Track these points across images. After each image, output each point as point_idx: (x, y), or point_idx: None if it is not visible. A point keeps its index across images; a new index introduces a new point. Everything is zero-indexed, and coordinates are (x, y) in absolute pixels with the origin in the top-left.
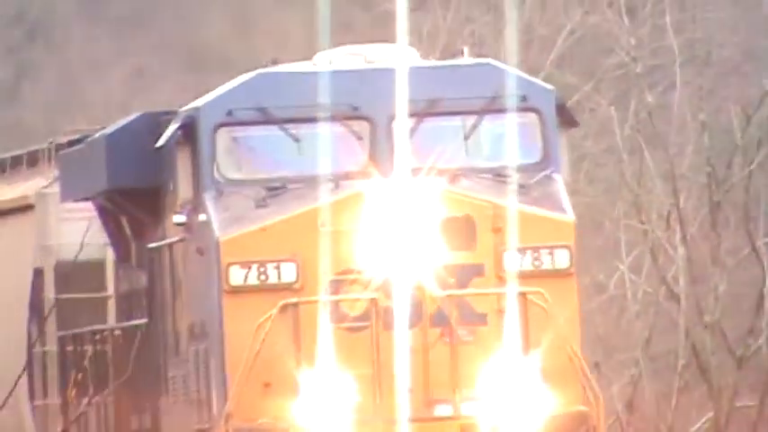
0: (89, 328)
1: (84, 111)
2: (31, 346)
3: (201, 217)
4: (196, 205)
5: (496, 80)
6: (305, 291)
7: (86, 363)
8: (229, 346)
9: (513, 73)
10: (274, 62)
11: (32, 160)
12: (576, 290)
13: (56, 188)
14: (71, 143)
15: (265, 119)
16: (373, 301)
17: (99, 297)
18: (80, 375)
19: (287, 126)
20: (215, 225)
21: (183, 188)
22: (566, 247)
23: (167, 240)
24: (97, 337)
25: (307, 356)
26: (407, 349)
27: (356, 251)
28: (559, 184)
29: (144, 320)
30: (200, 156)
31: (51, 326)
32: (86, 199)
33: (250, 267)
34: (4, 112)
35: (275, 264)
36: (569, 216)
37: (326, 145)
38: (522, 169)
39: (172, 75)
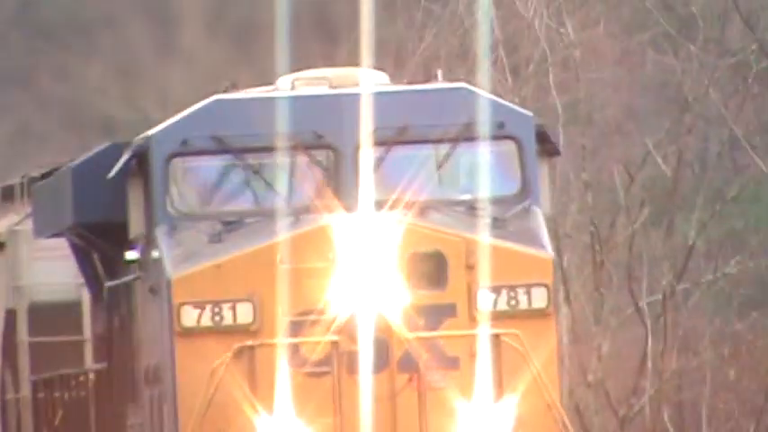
0: (57, 373)
1: None
2: (3, 393)
3: (154, 254)
4: (149, 241)
5: (471, 105)
6: (262, 333)
7: (60, 410)
8: (182, 393)
9: (489, 98)
10: (232, 87)
11: (7, 196)
12: (554, 331)
13: (28, 225)
14: (44, 176)
15: (222, 148)
16: (335, 344)
17: (75, 340)
18: (54, 424)
19: (245, 156)
20: (166, 262)
21: (135, 222)
22: (544, 285)
23: (124, 279)
24: (72, 382)
25: (264, 404)
26: (372, 396)
27: (317, 290)
28: (538, 217)
29: (103, 365)
30: (152, 187)
31: (25, 371)
32: (57, 235)
33: (203, 308)
34: None
35: (230, 304)
36: (548, 252)
37: (287, 176)
38: (499, 201)
39: (55, 133)
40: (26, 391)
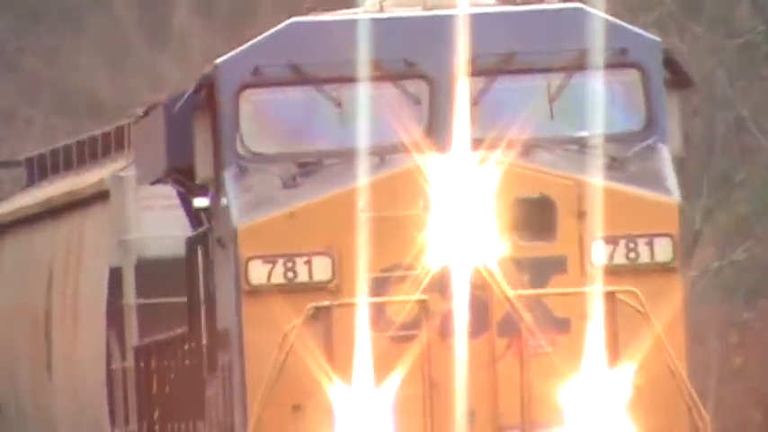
0: (155, 339)
1: None
2: (109, 363)
3: (222, 200)
4: (217, 186)
5: (589, 29)
6: (341, 291)
7: (163, 380)
8: (249, 360)
9: (610, 20)
10: (312, 9)
11: (119, 140)
12: (680, 289)
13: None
14: (146, 114)
15: (300, 78)
16: (425, 304)
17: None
18: (156, 396)
19: (325, 87)
20: (234, 210)
21: (203, 165)
22: (668, 235)
23: (199, 230)
24: (177, 349)
25: (342, 373)
26: (468, 364)
27: (405, 242)
28: (664, 156)
29: (183, 330)
30: (220, 124)
31: (132, 338)
32: (158, 181)
33: (275, 262)
34: None
35: (305, 258)
36: (675, 197)
37: (374, 110)
38: (620, 138)
39: (41, 117)
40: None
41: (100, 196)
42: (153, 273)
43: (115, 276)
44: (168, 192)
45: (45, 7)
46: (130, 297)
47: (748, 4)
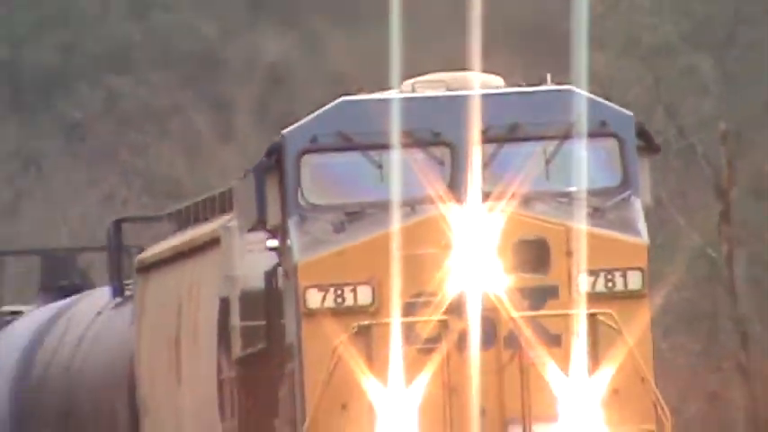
0: (250, 352)
1: (67, 226)
2: (219, 373)
3: (288, 242)
4: (284, 230)
5: (577, 106)
6: (380, 313)
7: (258, 385)
8: (307, 369)
9: (593, 99)
10: (358, 90)
11: (227, 200)
12: (648, 312)
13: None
14: (244, 177)
15: (348, 145)
16: (444, 323)
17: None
18: (253, 397)
19: (368, 152)
20: (295, 249)
21: (273, 214)
22: (639, 269)
23: (273, 265)
24: (262, 361)
25: (380, 378)
26: (480, 371)
27: (430, 274)
28: (637, 208)
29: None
30: (285, 182)
31: (236, 353)
32: (253, 229)
33: (327, 290)
34: (5, 228)
35: (351, 287)
36: (644, 239)
37: (407, 170)
38: (600, 193)
39: (134, 198)
40: (234, 370)
41: (213, 242)
42: (252, 301)
43: (224, 305)
44: (263, 236)
45: (138, 112)
46: (236, 321)
47: (662, 110)
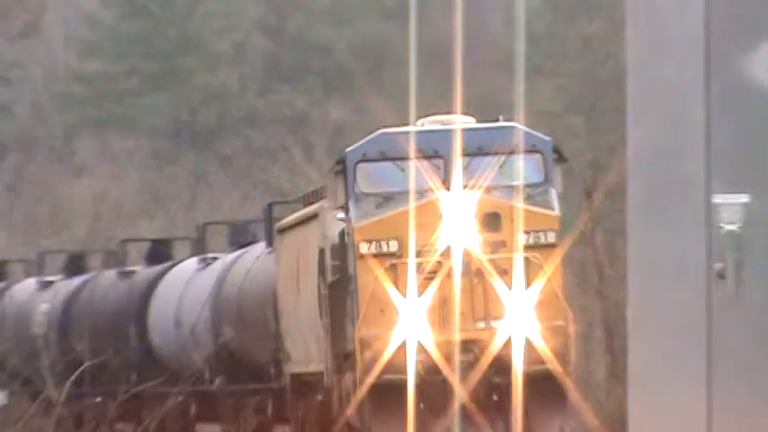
0: (334, 278)
1: (222, 212)
2: (319, 290)
3: (349, 214)
4: (346, 207)
5: (517, 135)
6: (403, 256)
7: (338, 300)
8: (359, 290)
9: (528, 131)
10: (390, 126)
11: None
12: (559, 256)
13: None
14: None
15: (384, 157)
16: (439, 263)
17: None
18: (335, 303)
19: (396, 162)
20: (353, 218)
21: (340, 197)
22: (553, 230)
23: (342, 228)
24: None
25: (403, 293)
26: (460, 288)
27: (431, 234)
28: (553, 194)
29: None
30: (347, 179)
31: (328, 279)
32: (339, 208)
33: (371, 242)
34: (187, 215)
35: (386, 240)
36: (557, 212)
37: (418, 172)
38: (532, 186)
39: (259, 197)
40: (327, 289)
41: (316, 215)
42: (336, 249)
43: (321, 252)
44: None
45: (261, 149)
46: (328, 261)
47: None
